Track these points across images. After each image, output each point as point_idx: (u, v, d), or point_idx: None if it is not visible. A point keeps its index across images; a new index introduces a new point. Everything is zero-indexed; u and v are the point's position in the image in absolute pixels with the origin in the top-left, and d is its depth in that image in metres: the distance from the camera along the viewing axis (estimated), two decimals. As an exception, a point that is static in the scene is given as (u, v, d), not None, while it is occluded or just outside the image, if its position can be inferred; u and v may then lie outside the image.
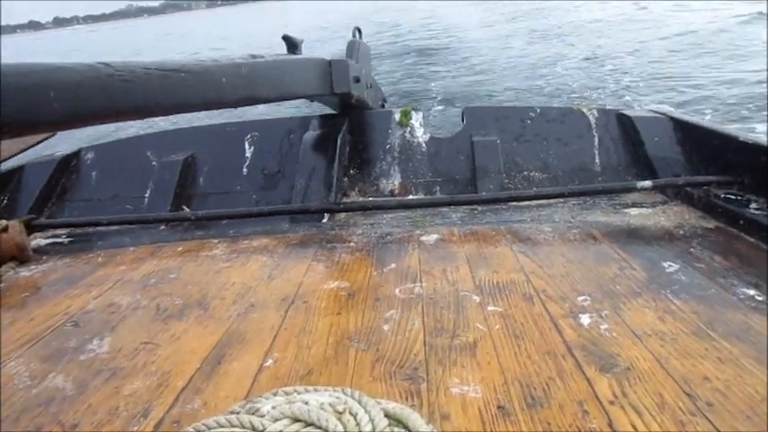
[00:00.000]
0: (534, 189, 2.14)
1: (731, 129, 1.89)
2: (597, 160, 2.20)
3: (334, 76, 2.09)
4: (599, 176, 2.16)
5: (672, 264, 1.37)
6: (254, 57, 1.32)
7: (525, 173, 2.20)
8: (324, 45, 15.42)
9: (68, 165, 2.47)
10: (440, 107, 7.52)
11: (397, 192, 2.25)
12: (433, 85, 9.47)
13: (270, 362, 1.07)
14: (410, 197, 2.21)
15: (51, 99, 0.75)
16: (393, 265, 1.50)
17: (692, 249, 1.46)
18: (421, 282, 1.38)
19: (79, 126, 0.91)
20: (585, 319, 1.13)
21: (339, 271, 1.50)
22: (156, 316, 1.33)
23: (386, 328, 1.16)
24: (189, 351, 1.14)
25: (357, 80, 2.31)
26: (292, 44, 1.79)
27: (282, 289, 1.41)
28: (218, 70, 1.14)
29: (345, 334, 1.15)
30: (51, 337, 1.27)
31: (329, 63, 2.07)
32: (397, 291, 1.34)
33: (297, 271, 1.53)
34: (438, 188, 2.23)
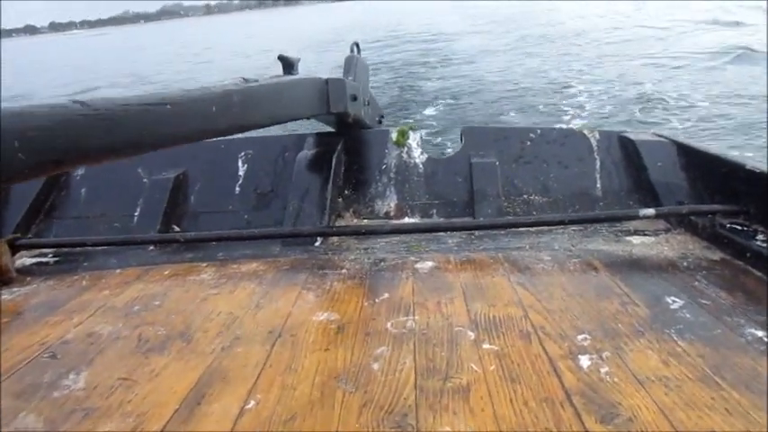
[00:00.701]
0: (534, 214, 2.11)
1: (736, 156, 1.86)
2: (598, 184, 2.17)
3: (331, 95, 2.06)
4: (600, 201, 2.13)
5: (676, 299, 1.33)
6: (246, 81, 1.29)
7: (525, 196, 2.18)
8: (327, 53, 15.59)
9: (58, 181, 2.43)
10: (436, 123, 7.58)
11: (392, 214, 2.21)
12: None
13: (252, 404, 1.03)
14: (406, 220, 2.18)
15: (15, 149, 0.71)
16: (386, 296, 1.47)
17: (696, 283, 1.43)
18: (414, 315, 1.34)
19: (53, 173, 0.88)
20: (585, 361, 1.09)
21: (329, 301, 1.47)
22: (136, 348, 1.29)
23: (375, 366, 1.13)
24: (168, 389, 1.10)
25: (354, 98, 2.28)
26: (288, 64, 1.76)
27: (270, 320, 1.38)
28: (207, 99, 1.10)
29: (333, 373, 1.12)
30: (26, 371, 1.23)
31: (326, 82, 2.05)
32: (388, 324, 1.30)
33: (286, 300, 1.49)
34: (435, 211, 2.19)
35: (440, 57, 14.97)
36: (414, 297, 1.45)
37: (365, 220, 2.21)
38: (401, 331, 1.27)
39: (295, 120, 1.77)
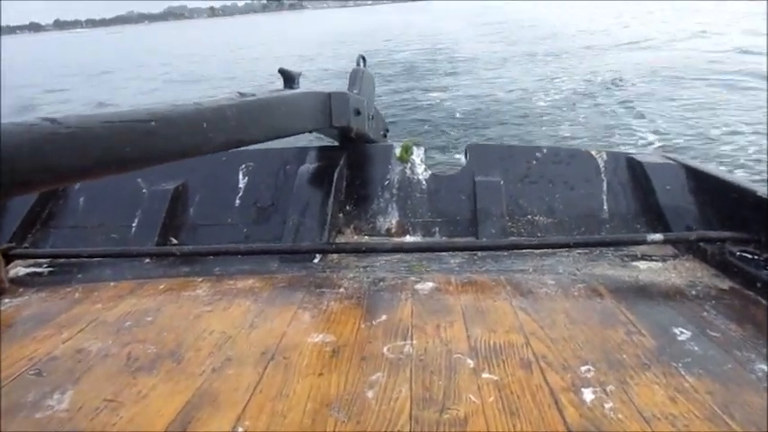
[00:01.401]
0: (538, 235, 2.09)
1: (747, 181, 1.84)
2: (605, 206, 2.15)
3: (334, 109, 2.05)
4: (606, 224, 2.11)
5: (683, 330, 1.31)
6: (243, 95, 1.28)
7: (529, 217, 2.16)
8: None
9: (56, 189, 2.42)
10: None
11: (393, 231, 2.20)
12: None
13: (240, 431, 1.01)
14: (407, 238, 2.16)
15: None
16: (383, 317, 1.45)
17: (705, 313, 1.41)
18: (412, 339, 1.32)
19: (23, 194, 0.86)
20: (588, 395, 1.07)
21: (326, 322, 1.45)
22: (124, 367, 1.27)
23: (370, 394, 1.10)
24: (155, 413, 1.08)
25: (358, 113, 2.27)
26: (289, 77, 1.75)
27: (263, 341, 1.36)
28: (198, 115, 1.08)
29: (325, 400, 1.10)
30: (10, 388, 1.21)
31: (329, 96, 2.04)
32: (385, 349, 1.28)
33: (281, 319, 1.47)
34: (437, 229, 2.18)
35: (447, 67, 15.00)
36: (412, 320, 1.43)
37: (366, 237, 2.19)
38: (398, 356, 1.24)
39: (296, 134, 1.76)
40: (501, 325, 1.38)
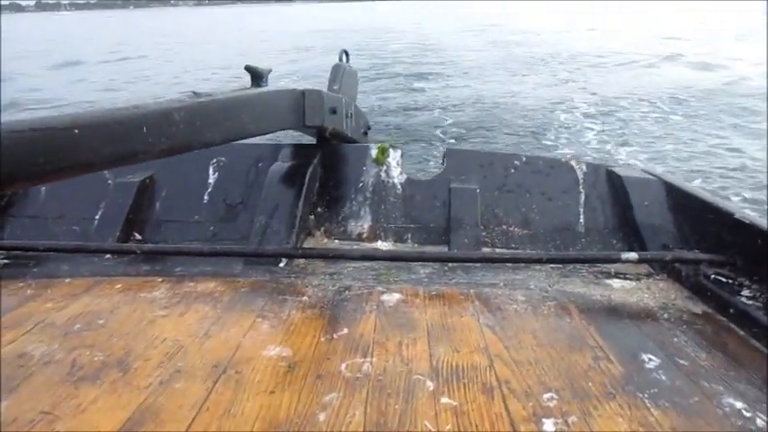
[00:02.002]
0: (512, 246, 2.06)
1: (726, 202, 1.83)
2: (582, 220, 2.13)
3: (307, 108, 2.00)
4: (582, 238, 2.08)
5: (652, 357, 1.28)
6: (197, 95, 1.22)
7: (504, 227, 2.12)
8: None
9: None
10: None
11: (365, 236, 2.15)
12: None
13: None
14: (378, 243, 2.12)
15: None
16: (345, 331, 1.40)
17: (675, 339, 1.38)
18: (372, 356, 1.28)
19: None
20: (549, 426, 1.03)
21: (284, 333, 1.40)
22: (67, 376, 1.21)
23: (322, 417, 1.06)
24: (92, 429, 1.03)
25: (333, 111, 2.22)
26: (256, 75, 1.69)
27: (216, 352, 1.30)
28: (135, 120, 1.01)
29: (274, 421, 1.05)
30: None
31: (302, 94, 1.98)
32: (343, 366, 1.23)
33: (238, 329, 1.42)
34: (409, 236, 2.14)
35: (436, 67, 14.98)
36: (374, 335, 1.38)
37: (336, 241, 2.14)
38: (355, 375, 1.20)
39: (263, 134, 1.71)
40: (466, 344, 1.34)
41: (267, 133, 1.75)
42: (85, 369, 1.24)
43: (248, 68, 1.67)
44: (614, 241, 2.06)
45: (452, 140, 8.00)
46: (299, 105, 1.98)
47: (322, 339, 1.36)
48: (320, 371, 1.22)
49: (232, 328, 1.42)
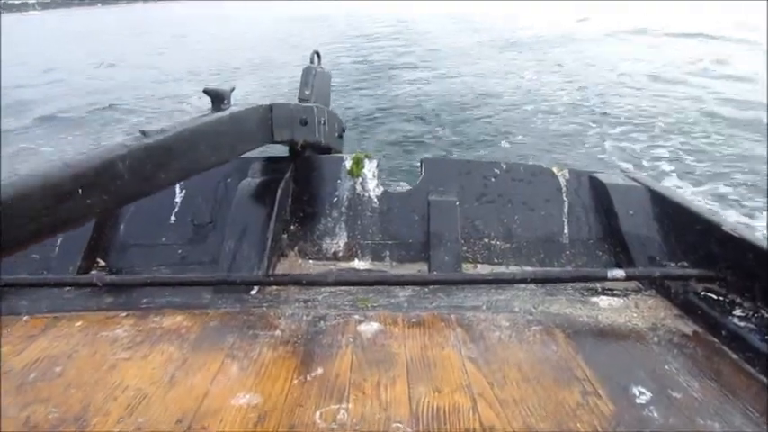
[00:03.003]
0: (495, 261, 2.00)
1: (714, 213, 1.78)
2: (566, 230, 2.07)
3: (275, 123, 1.92)
4: (567, 250, 2.03)
5: (643, 390, 1.23)
6: (145, 135, 1.12)
7: (485, 240, 2.06)
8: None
9: None
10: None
11: (341, 255, 2.08)
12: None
13: None
14: (356, 262, 2.04)
15: None
16: (320, 371, 1.33)
17: (666, 367, 1.33)
18: (348, 401, 1.21)
19: None
20: None
21: (254, 376, 1.32)
22: None
23: None
24: None
25: (304, 123, 2.14)
26: (217, 97, 1.59)
27: (182, 402, 1.23)
28: (68, 181, 0.89)
29: None
30: None
31: (269, 109, 1.90)
32: (317, 416, 1.16)
33: (205, 372, 1.34)
34: (388, 253, 2.07)
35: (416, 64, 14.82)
36: (351, 374, 1.31)
37: (311, 261, 2.06)
38: (330, 426, 1.13)
39: (228, 161, 1.63)
40: (447, 383, 1.27)
41: (232, 159, 1.67)
42: (40, 427, 1.16)
43: (207, 92, 1.57)
44: (600, 252, 2.01)
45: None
46: (266, 121, 1.90)
47: (295, 382, 1.29)
48: (293, 421, 1.15)
49: (199, 371, 1.35)
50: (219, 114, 1.49)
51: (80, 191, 0.90)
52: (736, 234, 1.56)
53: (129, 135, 1.11)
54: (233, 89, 1.64)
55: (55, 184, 0.85)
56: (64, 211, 0.86)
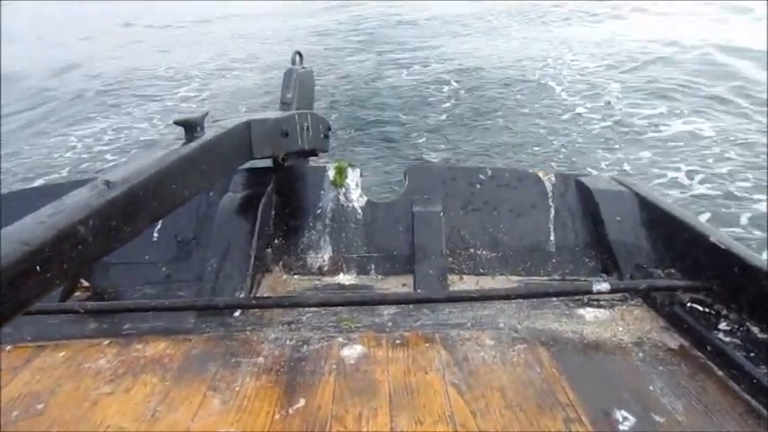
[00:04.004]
0: (480, 271, 2.00)
1: (701, 222, 1.78)
2: (552, 238, 2.07)
3: (255, 139, 1.90)
4: (553, 258, 2.03)
5: (627, 415, 1.23)
6: (109, 185, 1.08)
7: (471, 250, 2.06)
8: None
9: None
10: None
11: (326, 269, 2.08)
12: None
13: None
14: (340, 276, 2.04)
15: None
16: (302, 403, 1.33)
17: (651, 387, 1.33)
18: None
19: None
20: None
21: (236, 410, 1.32)
22: None
23: None
24: None
25: (285, 134, 2.13)
26: (190, 127, 1.54)
27: None
28: (21, 262, 0.82)
29: None
30: None
31: (248, 125, 1.88)
32: None
33: (187, 406, 1.34)
34: (372, 266, 2.06)
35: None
36: (333, 405, 1.31)
37: (296, 276, 2.06)
38: None
39: (205, 189, 1.61)
40: (429, 413, 1.27)
41: (210, 187, 1.64)
42: None
43: (177, 123, 1.53)
44: (586, 259, 2.01)
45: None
46: (245, 138, 1.87)
47: (277, 417, 1.29)
48: None
49: (181, 405, 1.35)
50: (192, 146, 1.46)
51: (38, 268, 0.86)
52: (722, 245, 1.56)
53: (91, 185, 1.08)
54: (206, 114, 1.61)
55: (9, 266, 0.80)
56: (22, 293, 0.84)
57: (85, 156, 7.98)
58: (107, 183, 1.07)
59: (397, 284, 1.99)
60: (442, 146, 6.75)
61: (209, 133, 1.58)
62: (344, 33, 15.76)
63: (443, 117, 8.08)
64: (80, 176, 6.67)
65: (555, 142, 6.77)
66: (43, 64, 15.07)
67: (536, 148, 6.58)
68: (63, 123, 9.78)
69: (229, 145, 1.72)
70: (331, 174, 2.27)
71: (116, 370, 1.52)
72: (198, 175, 1.47)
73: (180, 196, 1.36)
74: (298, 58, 2.73)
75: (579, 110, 8.00)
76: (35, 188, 2.85)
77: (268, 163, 2.29)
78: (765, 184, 5.46)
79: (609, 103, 8.22)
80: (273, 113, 2.22)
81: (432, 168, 2.35)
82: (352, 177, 2.26)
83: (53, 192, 2.33)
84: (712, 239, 1.58)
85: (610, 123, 7.38)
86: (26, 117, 10.42)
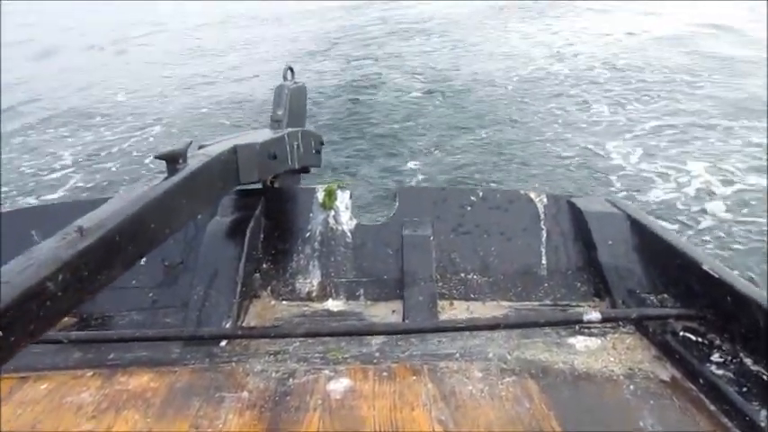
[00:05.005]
0: (471, 296, 1.98)
1: (694, 248, 1.76)
2: (543, 261, 2.05)
3: (241, 165, 1.88)
4: (545, 282, 2.01)
5: None
6: (82, 232, 1.06)
7: (462, 275, 2.04)
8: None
9: None
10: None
11: (314, 295, 2.06)
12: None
13: None
14: (329, 302, 2.03)
15: None
16: None
17: (641, 423, 1.31)
18: None
19: None
20: None
21: None
22: None
23: None
24: None
25: (274, 156, 2.11)
26: (172, 159, 1.50)
27: None
28: None
29: None
30: None
31: (234, 151, 1.86)
32: None
33: None
34: (362, 291, 2.05)
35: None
36: None
37: (284, 302, 2.05)
38: None
39: (192, 219, 1.59)
40: None
41: (193, 219, 1.62)
42: None
43: (159, 157, 1.51)
44: (578, 284, 1.99)
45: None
46: (231, 164, 1.86)
47: None
48: None
49: None
50: (174, 180, 1.43)
51: (1, 333, 0.82)
52: (714, 273, 1.54)
53: (63, 232, 1.05)
54: (190, 143, 1.59)
55: None
56: None
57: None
58: (80, 229, 1.04)
59: (387, 310, 1.97)
60: (430, 165, 6.70)
61: (193, 164, 1.56)
62: (338, 39, 15.60)
63: (426, 135, 7.99)
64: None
65: (544, 159, 6.73)
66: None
67: (526, 167, 6.53)
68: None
69: (215, 173, 1.70)
70: (320, 196, 2.25)
71: (98, 404, 1.50)
72: (181, 210, 1.45)
73: (161, 234, 1.34)
74: (289, 73, 2.71)
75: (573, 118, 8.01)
76: (25, 209, 2.81)
77: (257, 183, 2.28)
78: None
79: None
80: (262, 134, 2.20)
81: (422, 190, 2.35)
82: (342, 199, 2.25)
83: (44, 213, 2.31)
84: (705, 267, 1.57)
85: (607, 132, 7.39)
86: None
